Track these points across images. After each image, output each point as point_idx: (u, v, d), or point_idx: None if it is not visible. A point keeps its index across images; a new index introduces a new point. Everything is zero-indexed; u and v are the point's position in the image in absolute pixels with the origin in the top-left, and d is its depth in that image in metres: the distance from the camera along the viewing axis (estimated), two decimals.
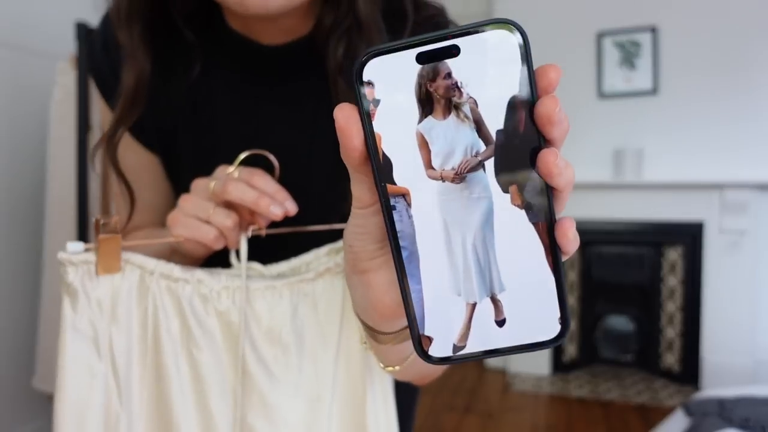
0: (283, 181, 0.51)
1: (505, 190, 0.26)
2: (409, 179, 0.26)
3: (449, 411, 2.65)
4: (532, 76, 0.24)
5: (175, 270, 0.49)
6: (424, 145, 0.25)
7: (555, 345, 0.27)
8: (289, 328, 0.49)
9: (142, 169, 0.61)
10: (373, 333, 0.36)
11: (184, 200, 0.50)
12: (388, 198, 0.26)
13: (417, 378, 0.55)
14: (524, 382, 3.10)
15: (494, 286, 0.27)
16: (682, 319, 3.06)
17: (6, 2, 1.83)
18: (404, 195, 0.26)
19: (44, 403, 1.85)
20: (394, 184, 0.26)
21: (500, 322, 0.27)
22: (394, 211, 0.26)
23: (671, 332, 3.12)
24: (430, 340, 0.27)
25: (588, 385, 3.05)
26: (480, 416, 2.61)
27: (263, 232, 0.49)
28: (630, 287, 3.31)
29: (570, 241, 0.27)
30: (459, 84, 0.24)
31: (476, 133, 0.25)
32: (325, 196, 0.54)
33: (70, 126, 1.57)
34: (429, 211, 0.26)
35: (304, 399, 0.49)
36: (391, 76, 0.24)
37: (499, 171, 0.25)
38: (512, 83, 0.24)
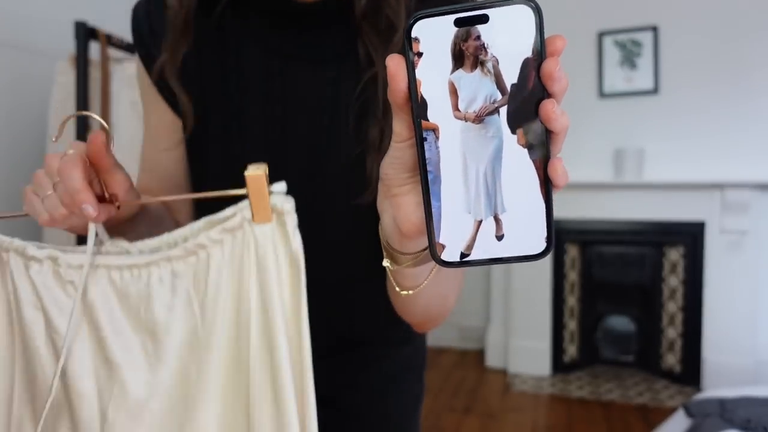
0: (304, 140, 0.55)
1: (513, 132, 0.32)
2: (439, 118, 0.32)
3: (449, 411, 2.64)
4: (542, 44, 0.32)
5: (29, 248, 0.48)
6: (453, 92, 0.32)
7: (540, 259, 0.34)
8: (155, 308, 0.47)
9: (163, 129, 0.63)
10: (395, 255, 0.41)
11: (36, 175, 0.49)
12: (422, 131, 0.33)
13: (422, 313, 0.56)
14: (525, 382, 3.10)
15: (497, 208, 0.33)
16: (683, 320, 3.05)
17: (5, 2, 1.83)
18: (434, 130, 0.33)
19: None
20: (428, 120, 0.32)
21: (499, 237, 0.34)
22: (425, 143, 0.33)
23: (672, 332, 3.11)
24: (443, 247, 0.34)
25: (588, 385, 3.05)
26: (480, 417, 2.61)
27: (117, 205, 0.48)
28: (631, 287, 3.31)
29: (559, 176, 0.33)
30: (485, 45, 0.31)
31: (495, 86, 0.32)
32: (343, 155, 0.56)
33: (69, 125, 1.57)
34: (452, 144, 0.33)
35: (165, 393, 0.47)
36: (433, 35, 0.31)
37: (510, 117, 0.32)
38: (527, 48, 0.31)
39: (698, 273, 2.98)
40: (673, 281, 3.11)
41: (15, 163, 1.88)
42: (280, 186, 0.43)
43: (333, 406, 0.66)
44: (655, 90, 3.03)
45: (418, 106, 0.32)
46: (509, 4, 0.31)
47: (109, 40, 1.57)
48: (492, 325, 3.43)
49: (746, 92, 2.89)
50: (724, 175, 2.90)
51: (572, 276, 3.29)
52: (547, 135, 0.33)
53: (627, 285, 3.29)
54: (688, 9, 2.97)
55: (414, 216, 0.36)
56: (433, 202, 0.34)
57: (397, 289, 0.45)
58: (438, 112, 0.32)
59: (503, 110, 0.32)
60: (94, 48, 1.54)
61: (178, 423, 0.46)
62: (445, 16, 0.31)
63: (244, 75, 0.58)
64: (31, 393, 0.48)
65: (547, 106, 0.31)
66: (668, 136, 3.02)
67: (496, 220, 0.34)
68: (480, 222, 0.34)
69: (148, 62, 0.61)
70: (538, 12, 0.31)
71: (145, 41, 0.62)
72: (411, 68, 0.31)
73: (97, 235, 0.47)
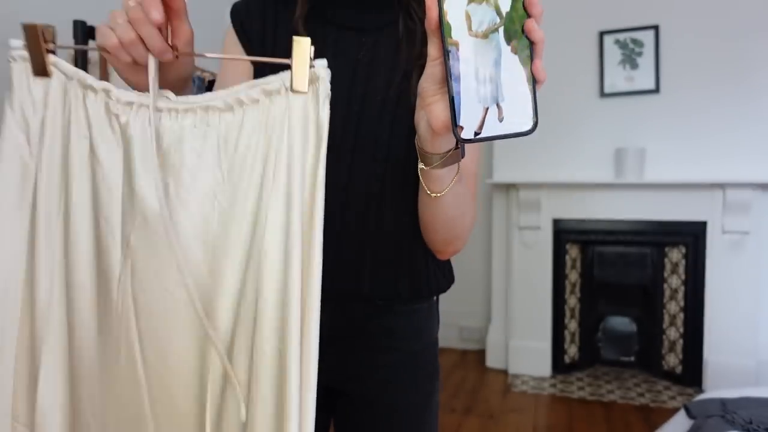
0: (346, 90, 0.69)
1: (508, 44, 0.47)
2: (459, 36, 0.47)
3: (450, 412, 2.64)
4: None
5: (89, 78, 0.53)
6: (467, 18, 0.47)
7: (530, 133, 0.47)
8: (191, 151, 0.51)
9: (235, 66, 0.76)
10: (428, 157, 0.55)
11: (112, 11, 0.51)
12: (447, 46, 0.47)
13: (445, 226, 0.67)
14: (525, 383, 3.09)
15: (499, 98, 0.47)
16: (684, 320, 3.04)
17: (3, 1, 1.83)
18: (456, 45, 0.47)
19: None
20: (452, 38, 0.47)
21: (501, 119, 0.48)
22: (449, 54, 0.47)
23: (673, 333, 3.10)
24: (462, 128, 0.48)
25: (589, 386, 3.04)
26: (481, 417, 2.60)
27: (175, 54, 0.53)
28: (632, 288, 3.30)
29: (540, 72, 0.47)
30: None
31: (495, 13, 0.46)
32: (386, 127, 0.70)
33: None
34: (468, 55, 0.47)
35: (201, 221, 0.52)
36: None
37: (505, 33, 0.47)
38: None
39: (699, 273, 2.97)
40: (675, 281, 3.10)
41: None
42: (322, 61, 0.50)
43: (345, 395, 0.76)
44: (656, 89, 3.02)
45: (445, 28, 0.47)
46: None
47: None
48: (492, 325, 3.42)
49: (748, 91, 2.88)
50: (726, 174, 2.89)
51: (573, 276, 3.28)
52: (531, 45, 0.47)
53: (628, 285, 3.28)
54: (689, 8, 2.97)
55: (443, 114, 0.50)
56: (455, 98, 0.48)
57: (428, 192, 0.59)
58: (458, 32, 0.47)
59: (501, 29, 0.47)
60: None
61: (198, 264, 0.52)
62: None
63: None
64: (66, 212, 0.55)
65: (530, 24, 0.46)
66: (669, 135, 3.01)
67: (498, 107, 0.48)
68: (487, 109, 0.48)
69: (242, 30, 0.75)
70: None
71: (241, 16, 0.76)
72: (440, 4, 0.47)
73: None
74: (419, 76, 0.52)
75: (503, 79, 0.47)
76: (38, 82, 0.54)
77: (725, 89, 2.91)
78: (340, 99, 0.61)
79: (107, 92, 0.53)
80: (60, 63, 0.54)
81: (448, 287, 0.80)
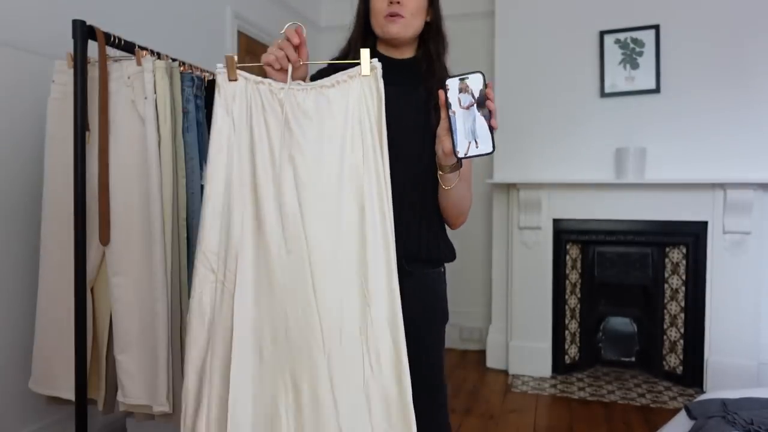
0: (400, 121, 1.09)
1: (478, 111, 0.97)
2: (455, 108, 0.97)
3: (450, 412, 2.63)
4: (485, 84, 0.98)
5: (256, 78, 0.98)
6: (458, 100, 0.97)
7: (492, 153, 0.96)
8: (313, 108, 0.98)
9: None
10: (443, 167, 1.06)
11: (272, 45, 1.02)
12: (449, 113, 0.98)
13: (455, 206, 1.16)
14: (526, 383, 3.09)
15: (475, 136, 0.97)
16: (685, 321, 3.04)
17: (3, 1, 1.83)
18: (454, 112, 0.98)
19: (44, 406, 1.84)
20: (451, 109, 0.98)
21: (477, 147, 0.97)
22: (450, 117, 0.98)
23: (674, 333, 3.10)
24: (458, 152, 0.98)
25: (590, 386, 3.03)
26: (481, 418, 2.60)
27: (299, 63, 1.02)
28: (632, 288, 3.29)
29: (494, 124, 0.96)
30: (468, 85, 0.97)
31: (472, 97, 0.97)
32: (414, 146, 1.14)
33: (67, 125, 1.56)
34: (459, 117, 0.97)
35: (322, 142, 0.97)
36: (453, 85, 0.98)
37: (477, 106, 0.97)
38: (482, 84, 0.97)
39: (700, 273, 2.97)
40: (675, 282, 3.09)
41: (13, 163, 1.87)
42: (375, 60, 0.98)
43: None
44: (656, 89, 3.02)
45: (447, 107, 0.98)
46: (477, 72, 0.97)
47: (108, 39, 1.56)
48: (493, 325, 3.42)
49: (749, 91, 2.87)
50: (727, 174, 2.88)
51: (573, 276, 3.28)
52: (489, 111, 0.96)
53: (628, 285, 3.28)
54: (689, 8, 2.96)
55: (448, 145, 0.99)
56: (454, 137, 0.98)
57: (444, 187, 1.09)
58: (454, 106, 0.97)
59: (474, 105, 0.96)
60: (93, 47, 1.53)
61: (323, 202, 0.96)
62: (457, 77, 0.97)
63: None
64: (251, 159, 0.97)
65: (488, 103, 0.96)
66: (670, 135, 3.01)
67: (475, 141, 0.96)
68: (470, 142, 0.97)
69: None
70: (484, 75, 0.97)
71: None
72: (445, 95, 0.98)
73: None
74: (437, 120, 1.03)
75: (477, 127, 0.97)
76: (231, 84, 0.99)
77: (726, 89, 2.91)
78: (389, 122, 1.00)
79: (269, 84, 0.99)
80: (242, 72, 0.99)
81: (453, 259, 1.22)
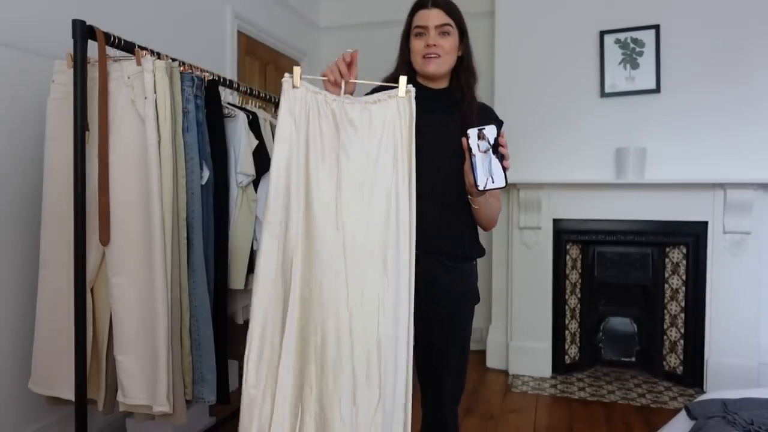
0: (434, 146, 1.34)
1: (494, 154, 1.22)
2: (475, 152, 1.23)
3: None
4: (499, 132, 1.23)
5: (315, 89, 1.20)
6: (477, 146, 1.23)
7: (505, 187, 1.24)
8: (358, 119, 1.19)
9: None
10: (471, 193, 1.32)
11: (334, 63, 1.26)
12: (471, 156, 1.24)
13: (486, 218, 1.41)
14: (526, 383, 3.09)
15: (491, 173, 1.22)
16: (685, 321, 3.03)
17: (3, 2, 1.83)
18: (474, 155, 1.23)
19: (44, 406, 1.84)
20: (471, 151, 1.23)
21: (493, 182, 1.22)
22: (472, 158, 1.23)
23: (674, 333, 3.09)
24: (479, 185, 1.23)
25: (590, 386, 3.03)
26: (481, 418, 2.60)
27: (351, 83, 1.26)
28: (632, 288, 3.29)
29: (507, 165, 1.22)
30: (485, 133, 1.22)
31: (488, 144, 1.22)
32: (450, 163, 1.34)
33: (67, 125, 1.56)
34: (479, 159, 1.23)
35: (362, 146, 1.18)
36: (473, 134, 1.23)
37: (492, 149, 1.22)
38: (496, 132, 1.22)
39: (700, 273, 2.97)
40: (675, 282, 3.09)
41: (13, 162, 1.87)
42: (411, 87, 1.19)
43: (431, 285, 1.36)
44: (656, 89, 3.02)
45: (470, 151, 1.23)
46: (492, 125, 1.22)
47: (108, 39, 1.56)
48: (493, 325, 3.42)
49: (749, 91, 2.87)
50: (727, 174, 2.88)
51: (573, 277, 3.28)
52: (502, 156, 1.22)
53: (628, 285, 3.28)
54: (689, 7, 2.96)
55: (470, 180, 1.25)
56: (475, 174, 1.23)
57: (475, 207, 1.36)
58: (475, 150, 1.22)
59: (490, 150, 1.21)
60: (92, 47, 1.53)
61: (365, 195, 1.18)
62: (476, 128, 1.22)
63: (417, 118, 1.23)
64: (306, 155, 1.19)
65: (502, 150, 1.22)
66: (670, 135, 3.01)
67: (492, 177, 1.22)
68: (487, 178, 1.22)
69: None
70: (499, 125, 1.34)
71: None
72: (467, 140, 1.23)
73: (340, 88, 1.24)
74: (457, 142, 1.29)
75: (493, 167, 1.21)
76: (295, 90, 1.19)
77: (726, 89, 2.91)
78: (428, 142, 1.31)
79: (324, 95, 1.20)
80: (305, 83, 1.19)
81: (483, 255, 1.48)
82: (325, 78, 1.24)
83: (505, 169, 1.20)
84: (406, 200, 1.16)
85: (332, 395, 1.13)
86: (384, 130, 1.17)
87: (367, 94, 1.28)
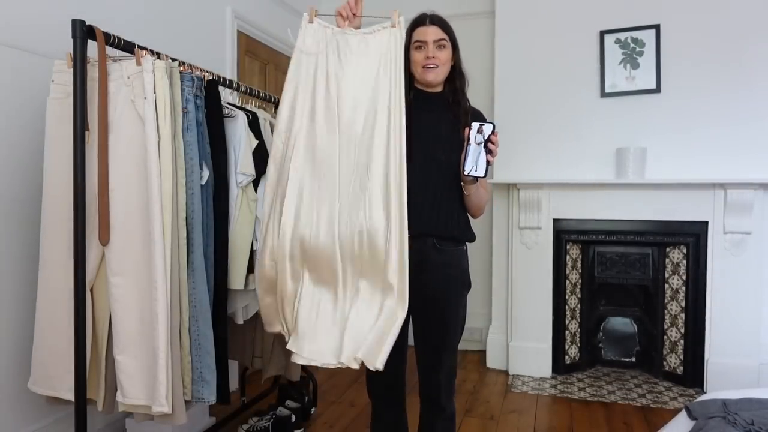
0: (430, 139, 1.53)
1: (485, 149, 1.42)
2: (471, 142, 1.41)
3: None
4: (493, 130, 1.43)
5: (325, 22, 1.47)
6: (475, 138, 1.41)
7: (485, 177, 1.44)
8: (356, 46, 1.43)
9: None
10: (464, 179, 1.48)
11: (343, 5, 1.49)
12: (467, 144, 1.42)
13: (475, 205, 1.58)
14: (526, 383, 3.09)
15: (477, 164, 1.41)
16: (686, 321, 3.03)
17: (3, 2, 1.83)
18: (470, 144, 1.41)
19: (44, 406, 1.84)
20: (468, 142, 1.42)
21: (475, 170, 1.42)
22: (468, 147, 1.42)
23: (674, 333, 3.09)
24: (464, 170, 1.42)
25: (590, 386, 3.03)
26: (481, 418, 2.60)
27: (357, 17, 1.49)
28: (633, 288, 3.29)
29: (492, 159, 1.42)
30: (483, 132, 1.42)
31: (482, 139, 1.41)
32: (443, 154, 1.51)
33: (67, 125, 1.56)
34: (473, 148, 1.41)
35: (359, 67, 1.43)
36: (474, 127, 1.42)
37: (483, 145, 1.42)
38: (490, 133, 1.42)
39: (701, 273, 2.96)
40: (676, 282, 3.09)
41: (13, 162, 1.87)
42: (402, 18, 1.42)
43: (421, 265, 1.48)
44: (657, 89, 3.01)
45: (468, 140, 1.41)
46: (491, 123, 1.42)
47: (107, 39, 1.56)
48: (493, 326, 3.41)
49: (749, 91, 2.87)
50: (727, 174, 2.88)
51: (573, 276, 3.28)
52: (490, 151, 1.42)
53: (629, 285, 3.28)
54: (690, 8, 2.96)
55: (464, 170, 1.43)
56: (465, 160, 1.41)
57: (467, 193, 1.52)
58: (471, 141, 1.41)
59: (482, 144, 1.41)
60: (92, 47, 1.53)
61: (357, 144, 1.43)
62: (478, 123, 1.42)
63: (414, 116, 1.45)
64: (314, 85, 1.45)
65: (491, 146, 1.41)
66: (670, 135, 3.00)
67: (476, 166, 1.41)
68: (473, 167, 1.41)
69: None
70: (494, 126, 1.42)
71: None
72: (469, 130, 1.42)
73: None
74: (453, 136, 1.52)
75: (479, 159, 1.40)
76: (309, 26, 1.46)
77: (726, 88, 2.91)
78: (425, 138, 1.52)
79: (332, 28, 1.45)
80: (317, 19, 1.47)
81: (473, 240, 1.61)
82: (339, 14, 1.48)
83: (488, 162, 1.40)
84: (398, 114, 1.38)
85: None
86: (379, 55, 1.41)
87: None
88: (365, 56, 1.42)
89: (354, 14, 1.47)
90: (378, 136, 1.38)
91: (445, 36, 1.56)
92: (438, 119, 1.57)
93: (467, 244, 1.62)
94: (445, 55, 1.56)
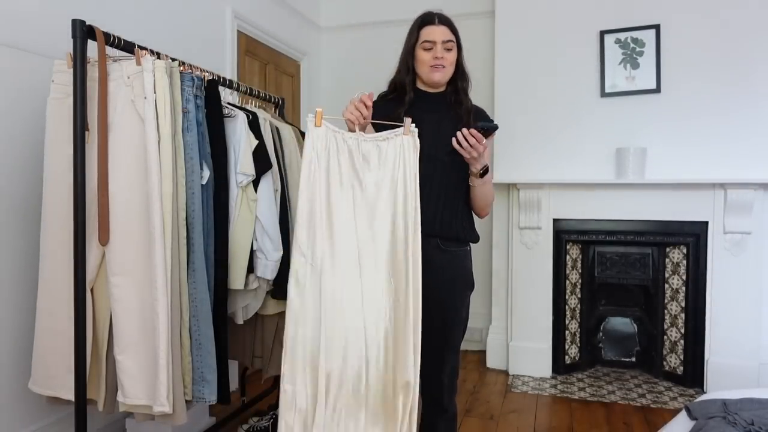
0: (432, 139, 1.52)
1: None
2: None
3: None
4: (490, 135, 1.51)
5: (335, 128, 1.41)
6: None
7: (480, 171, 1.52)
8: (373, 153, 1.41)
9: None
10: (473, 173, 1.53)
11: (349, 104, 1.45)
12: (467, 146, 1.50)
13: (481, 202, 1.60)
14: (526, 383, 3.09)
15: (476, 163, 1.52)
16: (686, 321, 3.03)
17: (3, 1, 1.83)
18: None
19: (44, 406, 1.84)
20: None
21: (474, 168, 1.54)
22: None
23: (674, 333, 3.09)
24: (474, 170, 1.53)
25: (590, 387, 3.03)
26: (481, 418, 2.60)
27: (366, 121, 1.45)
28: (633, 288, 3.29)
29: (470, 154, 1.49)
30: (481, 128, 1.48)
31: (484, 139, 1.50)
32: (446, 155, 1.52)
33: (67, 125, 1.56)
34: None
35: (379, 178, 1.41)
36: (480, 126, 1.45)
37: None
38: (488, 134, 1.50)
39: (701, 274, 2.96)
40: (676, 282, 3.09)
41: (13, 163, 1.87)
42: (414, 126, 1.41)
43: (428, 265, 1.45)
44: (657, 89, 3.01)
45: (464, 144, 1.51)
46: (496, 126, 1.49)
47: (107, 39, 1.56)
48: (493, 326, 3.41)
49: (749, 91, 2.87)
50: (727, 174, 2.88)
51: (574, 276, 3.28)
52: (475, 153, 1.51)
53: (629, 286, 3.28)
54: (690, 8, 2.96)
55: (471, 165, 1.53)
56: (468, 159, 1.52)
57: (473, 186, 1.55)
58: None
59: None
60: (92, 47, 1.53)
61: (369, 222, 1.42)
62: (484, 123, 1.47)
63: (418, 118, 1.46)
64: (327, 183, 1.42)
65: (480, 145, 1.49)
66: (670, 135, 3.00)
67: (471, 163, 1.50)
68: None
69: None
70: (495, 128, 1.48)
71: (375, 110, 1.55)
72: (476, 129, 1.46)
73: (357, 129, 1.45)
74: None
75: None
76: (317, 129, 1.40)
77: (726, 89, 2.91)
78: (428, 138, 1.47)
79: (342, 133, 1.41)
80: (326, 122, 1.39)
81: (476, 240, 1.64)
82: (349, 121, 1.44)
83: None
84: (412, 218, 1.39)
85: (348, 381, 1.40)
86: (394, 164, 1.40)
87: (378, 129, 1.48)
88: (378, 164, 1.40)
89: (365, 118, 1.43)
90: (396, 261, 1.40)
91: (452, 37, 1.56)
92: (440, 119, 1.57)
93: (471, 244, 1.62)
94: (452, 57, 1.57)
